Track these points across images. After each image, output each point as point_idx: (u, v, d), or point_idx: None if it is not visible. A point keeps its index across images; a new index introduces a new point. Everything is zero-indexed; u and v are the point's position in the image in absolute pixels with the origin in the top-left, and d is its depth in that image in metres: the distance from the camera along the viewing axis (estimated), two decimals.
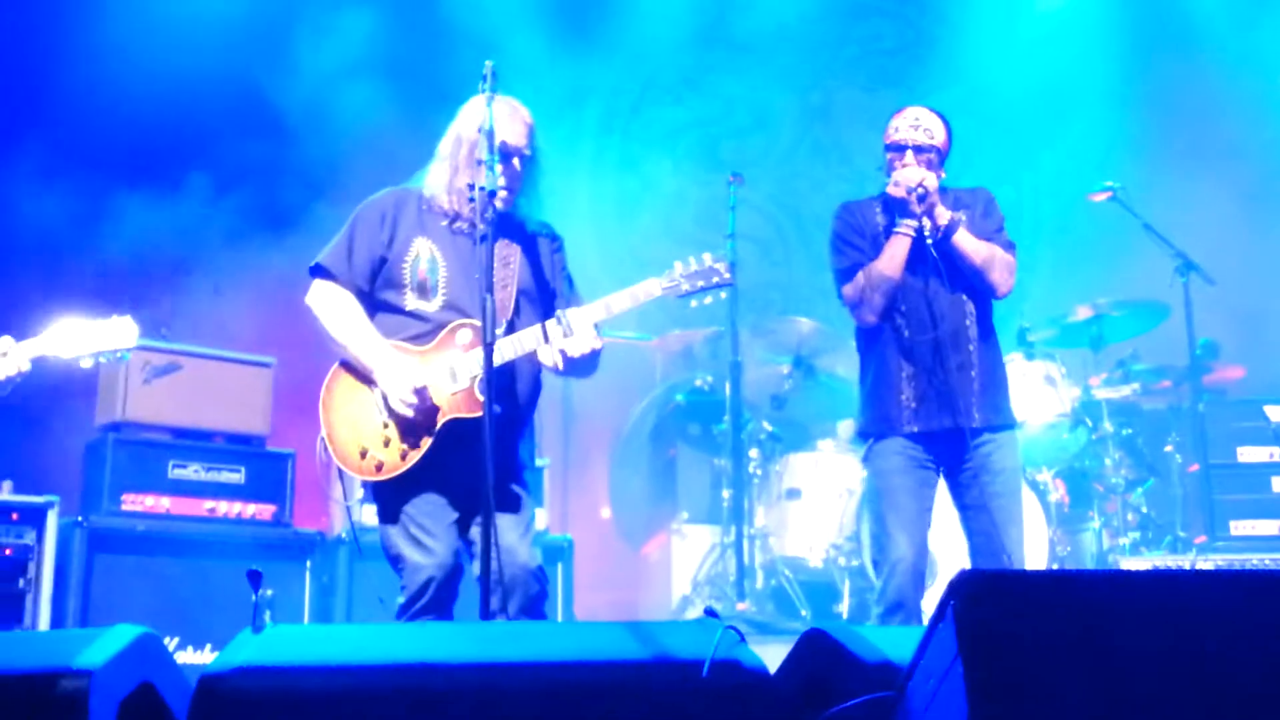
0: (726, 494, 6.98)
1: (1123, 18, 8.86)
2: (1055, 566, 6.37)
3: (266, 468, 5.84)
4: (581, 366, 3.91)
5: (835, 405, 7.25)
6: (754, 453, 7.10)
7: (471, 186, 3.66)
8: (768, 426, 7.22)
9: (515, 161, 3.93)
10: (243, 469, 5.78)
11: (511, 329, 3.90)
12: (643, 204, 8.98)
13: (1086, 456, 6.79)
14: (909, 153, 4.52)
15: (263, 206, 7.51)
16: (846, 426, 7.10)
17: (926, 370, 4.47)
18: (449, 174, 3.95)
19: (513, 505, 3.92)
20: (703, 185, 8.78)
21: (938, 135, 4.55)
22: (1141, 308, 6.85)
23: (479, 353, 3.75)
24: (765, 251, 9.15)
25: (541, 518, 6.22)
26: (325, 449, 3.86)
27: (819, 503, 6.84)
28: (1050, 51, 8.95)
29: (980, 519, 4.43)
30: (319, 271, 3.98)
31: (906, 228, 4.49)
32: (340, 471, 3.87)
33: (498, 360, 3.74)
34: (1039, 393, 6.61)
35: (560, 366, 3.90)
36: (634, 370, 8.09)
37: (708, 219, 8.39)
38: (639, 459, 8.23)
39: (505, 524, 3.81)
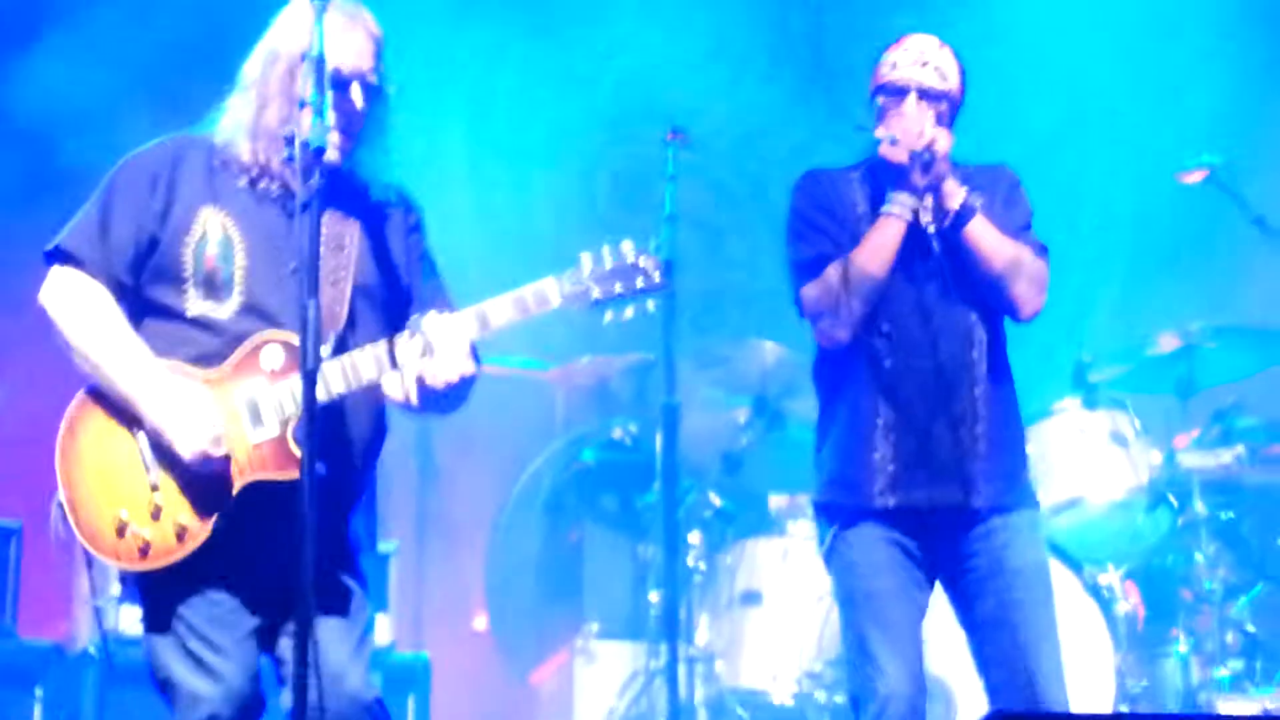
0: (655, 597, 6.95)
1: None
2: (1125, 709, 6.39)
3: None
4: (445, 400, 3.91)
5: (812, 468, 7.24)
6: (695, 537, 7.10)
7: (290, 140, 3.62)
8: (716, 500, 7.23)
9: (355, 91, 3.93)
10: None
11: (343, 346, 3.89)
12: (540, 170, 8.99)
13: (1170, 550, 6.85)
14: (911, 97, 4.48)
15: None
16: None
17: (913, 418, 4.49)
18: (254, 109, 3.95)
19: (340, 608, 3.89)
20: (627, 143, 8.78)
21: (951, 78, 4.53)
22: (1249, 338, 6.94)
23: (295, 382, 3.70)
24: (716, 243, 9.15)
25: (384, 627, 6.20)
26: (64, 520, 3.83)
27: (787, 611, 6.81)
28: None
29: (998, 640, 4.46)
30: (59, 256, 3.94)
31: (901, 206, 4.48)
32: (88, 555, 3.83)
33: (323, 395, 3.69)
34: (1104, 457, 6.67)
35: (414, 401, 3.89)
36: (523, 414, 8.10)
37: (634, 194, 8.45)
38: (528, 543, 8.24)
39: (330, 636, 3.76)
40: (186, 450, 3.76)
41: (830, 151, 8.53)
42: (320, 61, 3.64)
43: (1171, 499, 6.77)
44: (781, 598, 6.85)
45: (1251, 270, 7.06)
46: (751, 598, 6.90)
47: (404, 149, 4.07)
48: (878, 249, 4.46)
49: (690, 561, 7.03)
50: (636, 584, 7.49)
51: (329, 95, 3.65)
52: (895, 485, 4.48)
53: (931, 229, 4.49)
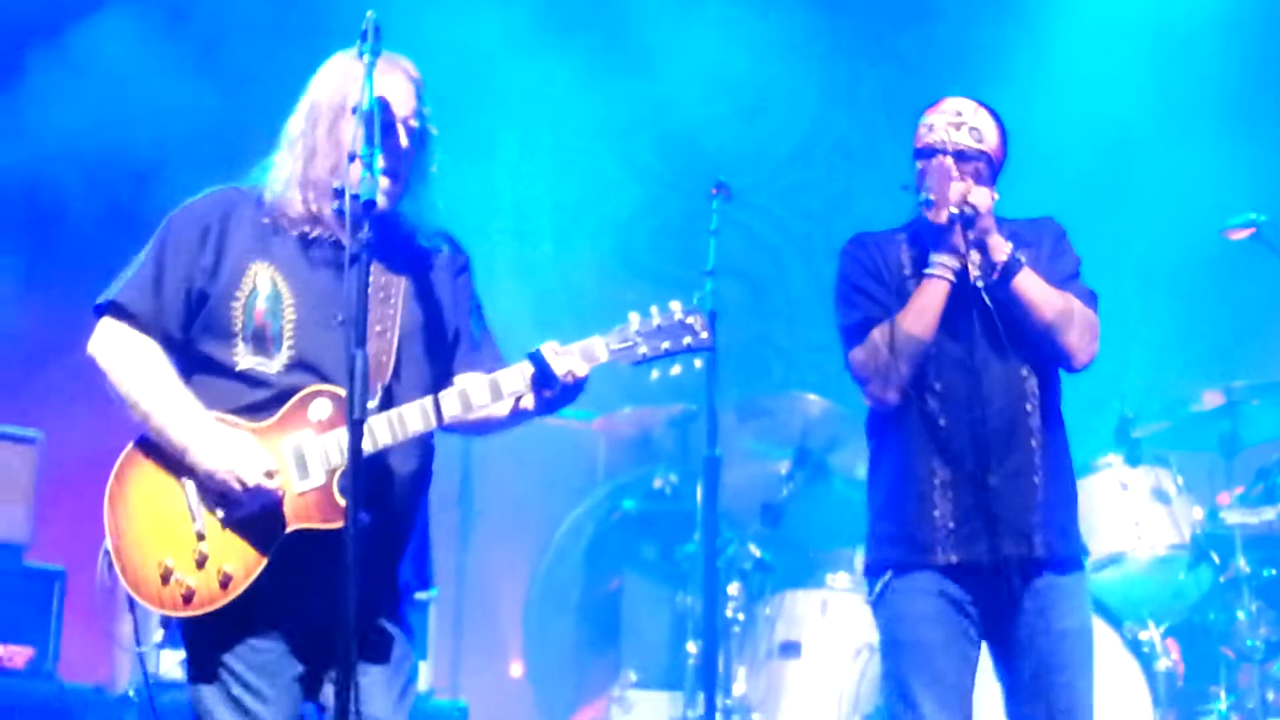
0: (693, 647, 6.96)
1: None
2: None
3: (23, 592, 5.88)
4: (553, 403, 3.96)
5: (853, 522, 7.09)
6: (734, 588, 7.09)
7: (340, 193, 3.63)
8: (755, 551, 7.23)
9: (400, 135, 3.94)
10: None
11: (389, 396, 3.89)
12: (581, 224, 9.04)
13: (1211, 607, 6.83)
14: (947, 159, 4.55)
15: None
16: (858, 553, 7.07)
17: (970, 474, 4.51)
18: (302, 161, 3.95)
19: (385, 656, 3.90)
20: (671, 198, 8.84)
21: (989, 138, 4.60)
22: None
23: (342, 434, 3.72)
24: (759, 297, 9.20)
25: (422, 673, 6.25)
26: (110, 567, 3.82)
27: (826, 664, 6.82)
28: (1169, 38, 9.10)
29: (1034, 703, 4.47)
30: (111, 310, 3.95)
31: (942, 267, 4.53)
32: (132, 600, 3.82)
33: (370, 446, 3.70)
34: (1146, 513, 6.67)
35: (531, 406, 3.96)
36: (565, 462, 8.17)
37: (676, 247, 8.51)
38: (567, 592, 8.25)
39: (373, 684, 3.80)
40: (240, 484, 3.75)
41: (869, 204, 8.69)
42: (370, 115, 3.64)
43: (1214, 556, 6.77)
44: (820, 650, 6.86)
45: None
46: (790, 649, 6.90)
47: (448, 194, 4.06)
48: (922, 311, 4.51)
49: (729, 612, 7.04)
50: (675, 634, 7.47)
51: (378, 152, 3.63)
52: (956, 542, 4.50)
53: (980, 284, 4.51)
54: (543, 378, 3.86)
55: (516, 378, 3.89)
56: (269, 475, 3.75)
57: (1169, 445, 6.99)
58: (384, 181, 3.79)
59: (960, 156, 4.53)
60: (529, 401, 3.94)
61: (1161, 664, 6.56)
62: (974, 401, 4.52)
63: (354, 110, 3.75)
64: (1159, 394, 7.12)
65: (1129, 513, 6.62)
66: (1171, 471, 6.81)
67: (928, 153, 4.58)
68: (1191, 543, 6.73)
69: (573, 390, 3.91)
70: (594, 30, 8.84)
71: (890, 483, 4.64)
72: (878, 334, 4.53)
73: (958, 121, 4.57)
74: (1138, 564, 6.66)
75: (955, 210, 4.46)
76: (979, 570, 4.49)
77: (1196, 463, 7.05)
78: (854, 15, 9.48)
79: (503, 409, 3.97)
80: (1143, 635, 6.56)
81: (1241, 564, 6.74)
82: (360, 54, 3.73)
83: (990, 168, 4.59)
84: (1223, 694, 6.67)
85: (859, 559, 7.05)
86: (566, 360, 3.87)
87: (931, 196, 4.49)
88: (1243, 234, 6.63)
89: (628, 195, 9.08)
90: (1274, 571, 6.85)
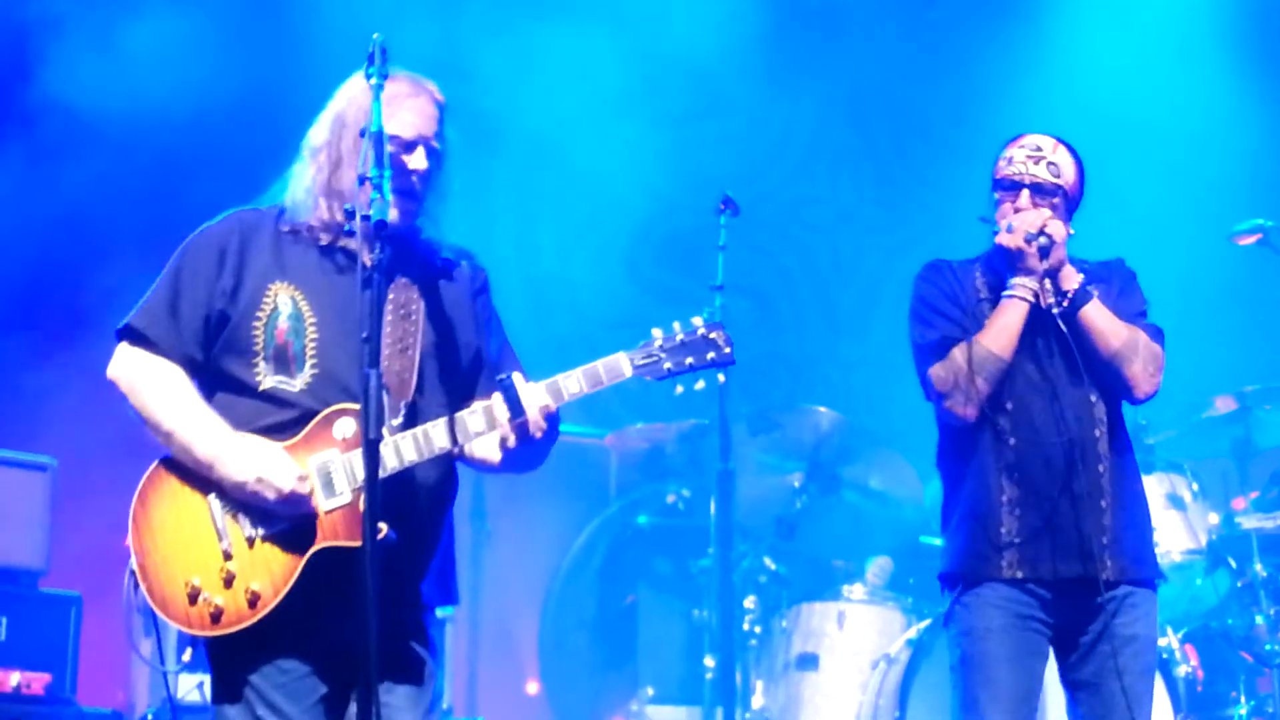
0: (710, 661, 6.99)
1: None
2: None
3: (40, 618, 5.86)
4: (524, 460, 3.99)
5: (867, 533, 7.32)
6: (750, 601, 7.15)
7: (350, 214, 3.69)
8: (771, 564, 7.28)
9: (420, 155, 3.98)
10: (3, 619, 5.80)
11: (414, 413, 3.91)
12: (587, 240, 9.06)
13: (1229, 612, 6.87)
14: (1025, 193, 4.70)
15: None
16: (882, 565, 7.20)
17: (1038, 494, 4.63)
18: (326, 172, 3.98)
19: (410, 676, 3.91)
20: (677, 214, 8.82)
21: (1066, 173, 4.74)
22: None
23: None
24: (767, 311, 9.17)
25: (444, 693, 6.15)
26: (136, 588, 3.81)
27: (844, 675, 6.86)
28: (1177, 45, 9.14)
29: (1094, 703, 4.59)
30: (130, 335, 3.96)
31: (1023, 288, 4.67)
32: (154, 619, 3.82)
33: (397, 463, 3.76)
34: (1162, 520, 6.64)
35: (495, 460, 3.98)
36: (577, 479, 8.15)
37: (683, 263, 8.43)
38: (582, 608, 8.31)
39: (398, 704, 3.81)
40: (275, 492, 3.76)
41: (875, 216, 8.69)
42: (379, 137, 3.68)
43: (1230, 561, 6.82)
44: (838, 662, 6.90)
45: None
46: (807, 661, 6.93)
47: (455, 214, 4.10)
48: (1002, 330, 4.65)
49: (745, 626, 7.11)
50: (691, 648, 7.51)
51: (388, 175, 3.66)
52: (1022, 558, 4.61)
53: (1054, 310, 4.65)
54: (513, 406, 3.86)
55: (540, 393, 3.90)
56: (301, 480, 3.76)
57: (1182, 452, 7.01)
58: (400, 201, 3.84)
59: (1037, 190, 4.69)
60: (494, 446, 3.96)
61: (1180, 670, 6.60)
62: (1044, 423, 4.66)
63: (361, 133, 3.76)
64: (1171, 400, 7.12)
65: None
66: (1186, 478, 6.85)
67: (1006, 185, 4.73)
68: (1208, 548, 6.77)
69: (549, 430, 3.91)
70: (599, 43, 8.87)
71: (961, 499, 4.75)
72: (958, 352, 4.67)
73: (1037, 156, 4.71)
74: None
75: (1033, 233, 4.60)
76: (1047, 585, 4.60)
77: (1210, 468, 7.10)
78: (856, 26, 9.45)
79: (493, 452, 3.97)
80: (1161, 642, 6.55)
81: (1259, 568, 6.77)
82: (368, 76, 3.79)
83: (1066, 203, 4.74)
84: (1242, 698, 6.70)
85: (874, 568, 7.16)
86: (535, 394, 3.88)
87: (1012, 223, 4.64)
88: (1250, 239, 6.68)
89: (633, 211, 9.06)
90: None
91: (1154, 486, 6.70)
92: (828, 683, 6.91)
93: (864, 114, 9.46)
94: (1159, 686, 6.25)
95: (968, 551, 4.67)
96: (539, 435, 3.89)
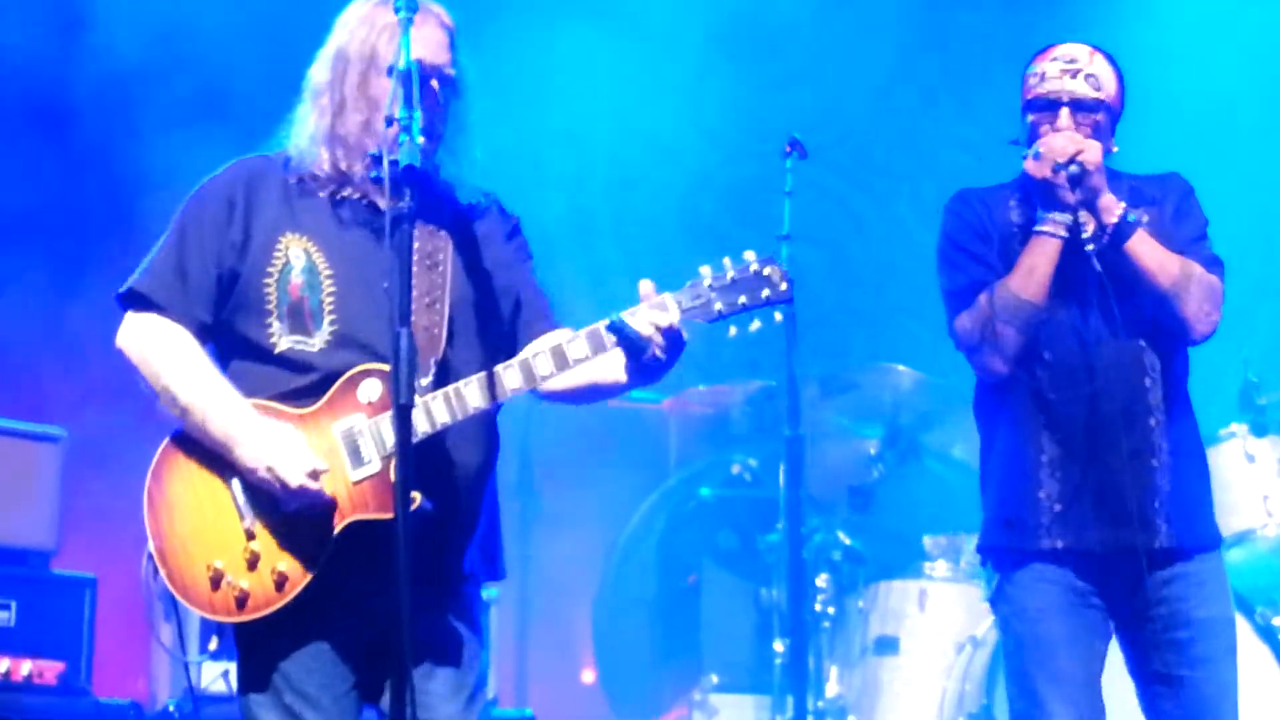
0: (780, 646, 6.97)
1: None
2: None
3: (52, 602, 5.93)
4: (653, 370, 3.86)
5: (951, 505, 7.20)
6: (823, 580, 7.08)
7: (378, 159, 3.66)
8: (845, 539, 7.21)
9: (433, 88, 3.93)
10: (13, 604, 5.86)
11: (445, 371, 3.88)
12: (643, 190, 9.04)
13: None
14: (1064, 112, 4.51)
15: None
16: (969, 541, 6.98)
17: (1082, 453, 4.51)
18: (330, 116, 3.96)
19: (451, 657, 3.91)
20: (739, 159, 8.82)
21: (1107, 85, 4.55)
22: None
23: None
24: (839, 262, 9.12)
25: (489, 680, 6.14)
26: (156, 573, 3.83)
27: (927, 660, 6.83)
28: None
29: (1175, 697, 4.48)
30: (135, 301, 3.96)
31: (1054, 224, 4.49)
32: (175, 604, 3.84)
33: (428, 427, 3.75)
34: (1275, 487, 6.53)
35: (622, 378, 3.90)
36: (634, 449, 8.19)
37: (746, 212, 8.38)
38: (640, 589, 8.29)
39: (439, 689, 3.84)
40: (284, 486, 3.76)
41: (960, 160, 8.59)
42: (407, 75, 3.64)
43: None
44: (919, 645, 6.87)
45: None
46: (886, 645, 6.90)
47: (488, 148, 4.06)
48: (1031, 271, 4.48)
49: (818, 606, 7.03)
50: (759, 632, 7.51)
51: (418, 115, 3.63)
52: (1065, 526, 4.48)
53: (1091, 248, 4.46)
54: (627, 344, 3.76)
55: (582, 345, 3.83)
56: (313, 476, 3.76)
57: None
58: (421, 141, 3.74)
59: (1077, 106, 4.51)
60: (612, 369, 3.89)
61: None
62: (1086, 374, 4.51)
63: (389, 71, 3.77)
64: None
65: (1256, 487, 6.47)
66: None
67: (1039, 104, 4.55)
68: None
69: (672, 350, 3.79)
70: None
71: (997, 462, 4.65)
72: (984, 298, 4.53)
73: (1073, 69, 4.54)
74: (1267, 543, 6.51)
75: (1063, 161, 4.41)
76: (1096, 557, 4.48)
77: None
78: None
79: (601, 373, 3.91)
80: (1276, 621, 6.39)
81: None
82: (396, 9, 3.74)
83: (1110, 118, 4.57)
84: None
85: (968, 545, 6.99)
86: (647, 315, 3.76)
87: (1042, 149, 4.46)
88: None
89: (692, 158, 9.10)
90: None
91: (1267, 450, 6.57)
92: (908, 667, 6.87)
93: (946, 44, 9.43)
94: (1270, 665, 6.24)
95: (1004, 519, 4.56)
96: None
